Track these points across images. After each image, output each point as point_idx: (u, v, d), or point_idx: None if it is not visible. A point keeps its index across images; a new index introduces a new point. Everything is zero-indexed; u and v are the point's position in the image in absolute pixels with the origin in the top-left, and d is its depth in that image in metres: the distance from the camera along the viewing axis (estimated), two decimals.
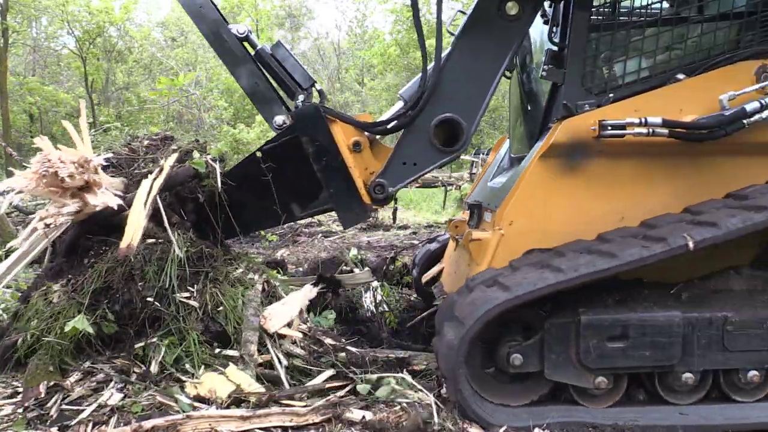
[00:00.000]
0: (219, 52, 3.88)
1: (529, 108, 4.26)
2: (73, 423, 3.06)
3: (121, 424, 3.03)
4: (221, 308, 3.63)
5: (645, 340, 3.07)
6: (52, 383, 3.30)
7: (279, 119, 3.86)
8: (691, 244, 2.93)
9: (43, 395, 3.19)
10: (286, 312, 3.79)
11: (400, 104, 3.93)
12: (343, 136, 3.77)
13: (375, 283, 5.46)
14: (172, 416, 3.03)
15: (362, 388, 3.39)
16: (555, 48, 3.60)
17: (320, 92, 3.95)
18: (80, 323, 3.36)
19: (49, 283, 3.70)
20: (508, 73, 4.50)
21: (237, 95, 35.78)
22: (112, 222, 3.76)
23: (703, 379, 3.23)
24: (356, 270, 5.70)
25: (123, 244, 3.47)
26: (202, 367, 3.44)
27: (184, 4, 3.84)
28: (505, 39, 3.65)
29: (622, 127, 3.26)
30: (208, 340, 3.56)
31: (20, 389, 3.43)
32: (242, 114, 34.97)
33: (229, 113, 31.78)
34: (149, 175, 3.86)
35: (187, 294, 3.62)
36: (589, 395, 3.21)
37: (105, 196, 3.60)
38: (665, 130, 3.23)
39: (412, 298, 5.82)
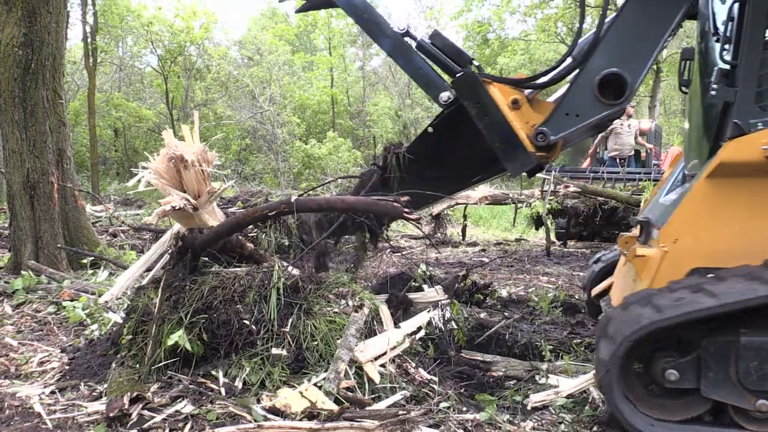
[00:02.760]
0: (385, 49, 4.38)
1: (704, 125, 4.10)
2: (150, 427, 3.18)
3: (196, 431, 3.12)
4: (315, 342, 3.73)
5: None
6: (134, 394, 3.42)
7: (444, 95, 4.17)
8: None
9: (126, 406, 3.31)
10: (381, 345, 3.85)
11: (568, 60, 4.06)
12: (500, 95, 4.01)
13: (444, 300, 5.42)
14: (244, 425, 3.11)
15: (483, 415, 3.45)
16: (726, 66, 3.47)
17: (478, 67, 4.21)
18: (181, 339, 3.56)
19: (161, 303, 3.92)
20: (684, 89, 4.48)
21: (309, 112, 36.65)
22: (226, 248, 4.27)
23: None
24: (425, 286, 5.67)
25: None
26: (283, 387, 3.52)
27: (349, 12, 4.36)
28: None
29: None
30: (294, 369, 3.64)
31: (103, 391, 3.60)
32: (314, 130, 35.71)
33: (302, 129, 32.51)
34: None
35: (287, 328, 3.76)
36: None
37: (212, 214, 4.15)
38: None
39: (481, 316, 5.76)
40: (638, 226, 4.13)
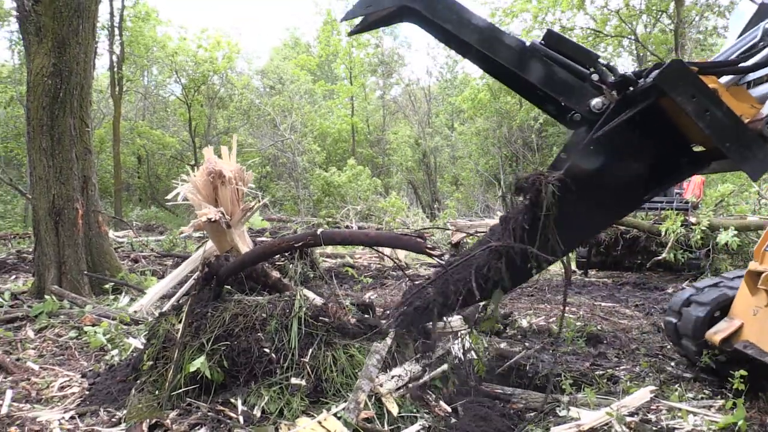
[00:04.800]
0: (501, 58, 3.57)
1: None
2: None
3: None
4: (334, 373, 3.72)
5: None
6: (153, 420, 3.42)
7: (597, 102, 3.53)
8: None
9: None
10: (402, 377, 3.83)
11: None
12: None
13: (464, 330, 5.37)
14: None
15: None
16: None
17: (607, 66, 3.60)
18: (203, 366, 3.59)
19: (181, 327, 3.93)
20: None
21: (329, 140, 36.97)
22: (251, 275, 4.23)
23: None
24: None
25: None
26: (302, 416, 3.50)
27: (436, 16, 3.53)
28: None
29: None
30: (313, 399, 3.62)
31: (122, 417, 3.61)
32: (334, 157, 35.96)
33: (322, 157, 32.75)
34: None
35: (306, 358, 3.75)
36: None
37: (242, 237, 4.06)
38: None
39: (501, 346, 5.69)
40: None
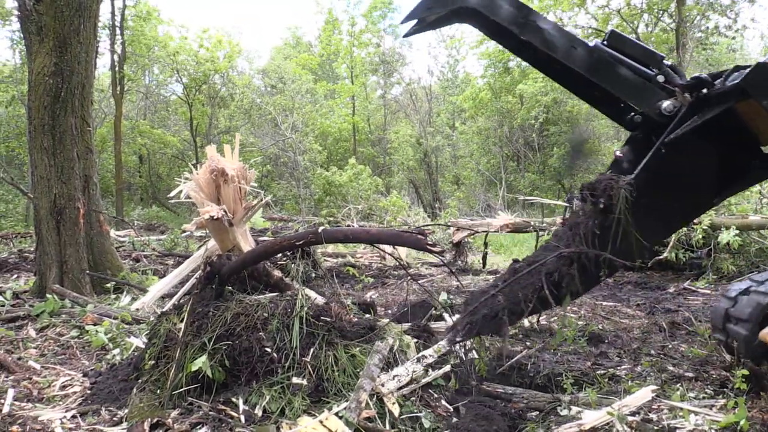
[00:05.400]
0: (565, 59, 3.53)
1: None
2: None
3: None
4: (336, 372, 3.72)
5: None
6: (155, 420, 3.43)
7: (668, 105, 3.50)
8: None
9: None
10: (403, 377, 3.83)
11: None
12: None
13: None
14: None
15: None
16: None
17: (671, 66, 3.58)
18: (204, 365, 3.59)
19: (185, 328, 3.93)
20: None
21: (330, 139, 36.96)
22: (253, 275, 4.22)
23: None
24: (446, 315, 5.63)
25: None
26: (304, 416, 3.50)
27: (505, 20, 3.47)
28: None
29: None
30: (314, 399, 3.63)
31: (124, 416, 3.61)
32: (335, 157, 35.96)
33: (323, 156, 32.75)
34: None
35: (308, 357, 3.76)
36: None
37: (243, 236, 4.04)
38: None
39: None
40: None
